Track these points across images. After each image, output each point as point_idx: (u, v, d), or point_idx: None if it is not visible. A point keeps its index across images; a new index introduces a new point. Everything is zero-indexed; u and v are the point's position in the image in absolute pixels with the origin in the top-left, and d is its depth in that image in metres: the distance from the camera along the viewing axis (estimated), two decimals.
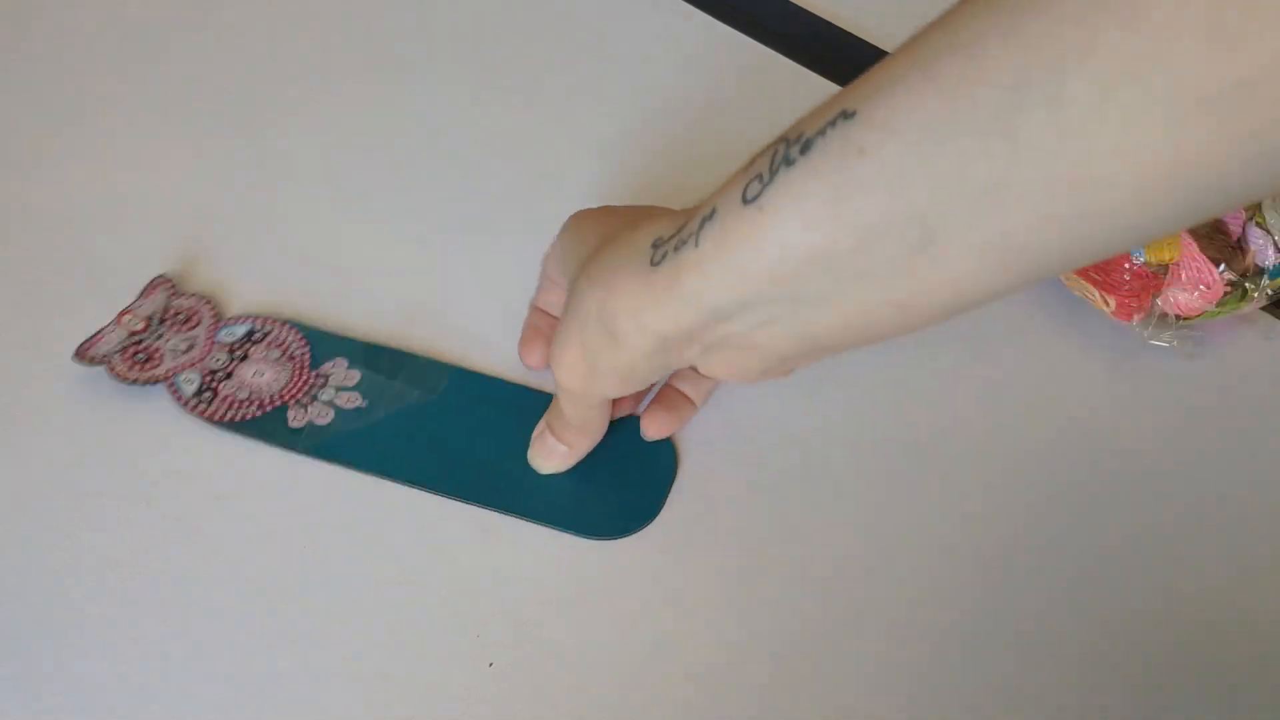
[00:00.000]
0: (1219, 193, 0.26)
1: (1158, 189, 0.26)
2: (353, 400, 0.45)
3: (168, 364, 0.44)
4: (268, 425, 0.44)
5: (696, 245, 0.32)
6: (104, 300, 0.46)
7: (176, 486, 0.43)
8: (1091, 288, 0.47)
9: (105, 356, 0.44)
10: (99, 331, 0.45)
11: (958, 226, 0.28)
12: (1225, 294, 0.47)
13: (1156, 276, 0.46)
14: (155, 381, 0.44)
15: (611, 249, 0.36)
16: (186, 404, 0.44)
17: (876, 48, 0.59)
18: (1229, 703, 0.40)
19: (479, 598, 0.41)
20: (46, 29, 0.58)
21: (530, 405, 0.43)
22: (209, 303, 0.47)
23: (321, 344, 0.46)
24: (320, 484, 0.43)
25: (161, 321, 0.45)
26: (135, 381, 0.44)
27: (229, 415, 0.44)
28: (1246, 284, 0.47)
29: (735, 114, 0.55)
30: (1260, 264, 0.47)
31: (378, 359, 0.46)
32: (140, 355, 0.44)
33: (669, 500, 0.43)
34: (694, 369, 0.38)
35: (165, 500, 0.43)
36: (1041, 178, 0.26)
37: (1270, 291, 0.47)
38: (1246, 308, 0.47)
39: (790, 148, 0.30)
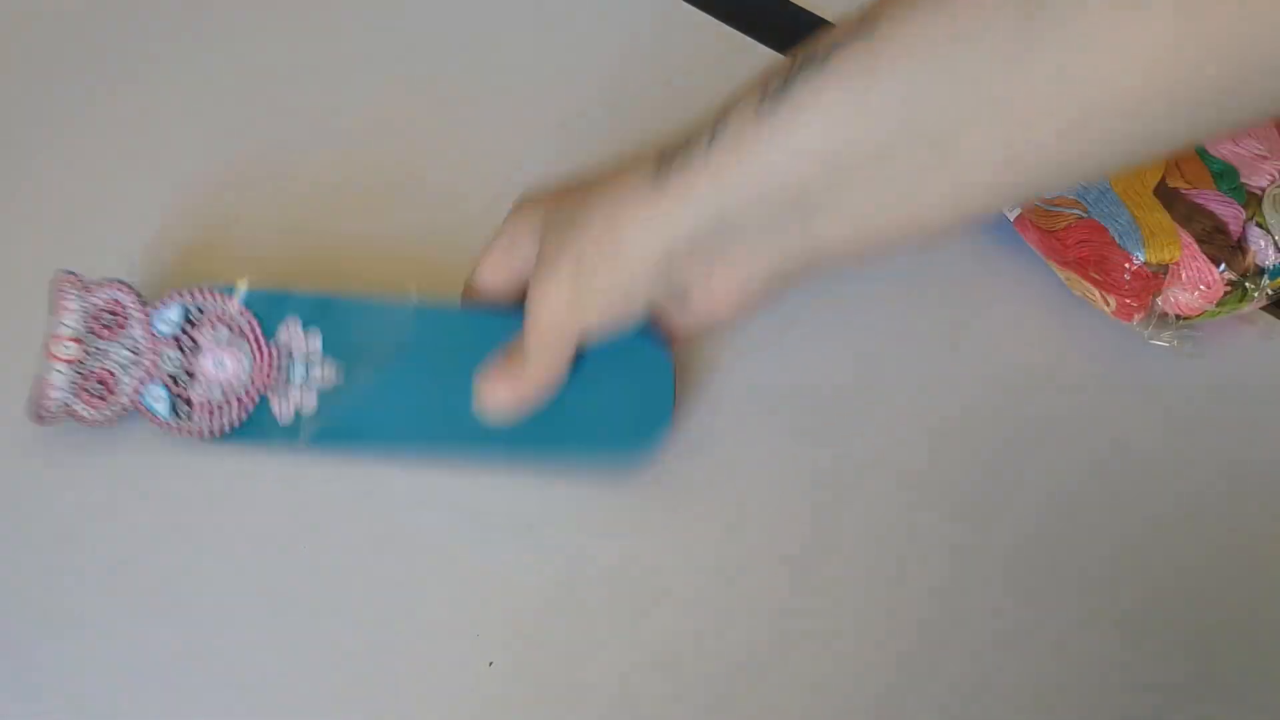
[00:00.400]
0: (1216, 107, 0.28)
1: (1160, 99, 0.28)
2: (327, 375, 0.41)
3: (126, 384, 0.41)
4: (258, 427, 0.42)
5: (708, 150, 0.32)
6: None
7: (174, 505, 0.42)
8: (1092, 287, 0.47)
9: (65, 406, 0.40)
10: (42, 378, 0.40)
11: (971, 142, 0.29)
12: (1225, 294, 0.47)
13: (1156, 276, 0.46)
14: (125, 412, 0.41)
15: (614, 174, 0.36)
16: (167, 426, 0.41)
17: None
18: (1228, 700, 0.40)
19: (479, 597, 0.41)
20: None
21: (508, 330, 0.41)
22: (124, 288, 0.41)
23: (265, 307, 0.42)
24: (316, 484, 0.43)
25: (90, 332, 0.41)
26: (105, 422, 0.41)
27: (216, 427, 0.42)
28: (1246, 284, 0.47)
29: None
30: (1260, 264, 0.47)
31: (332, 312, 0.42)
32: (96, 387, 0.41)
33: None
34: (683, 306, 0.38)
35: (165, 523, 0.42)
36: (1053, 92, 0.28)
37: (1270, 291, 0.47)
38: (1246, 308, 0.47)
39: (807, 62, 0.31)
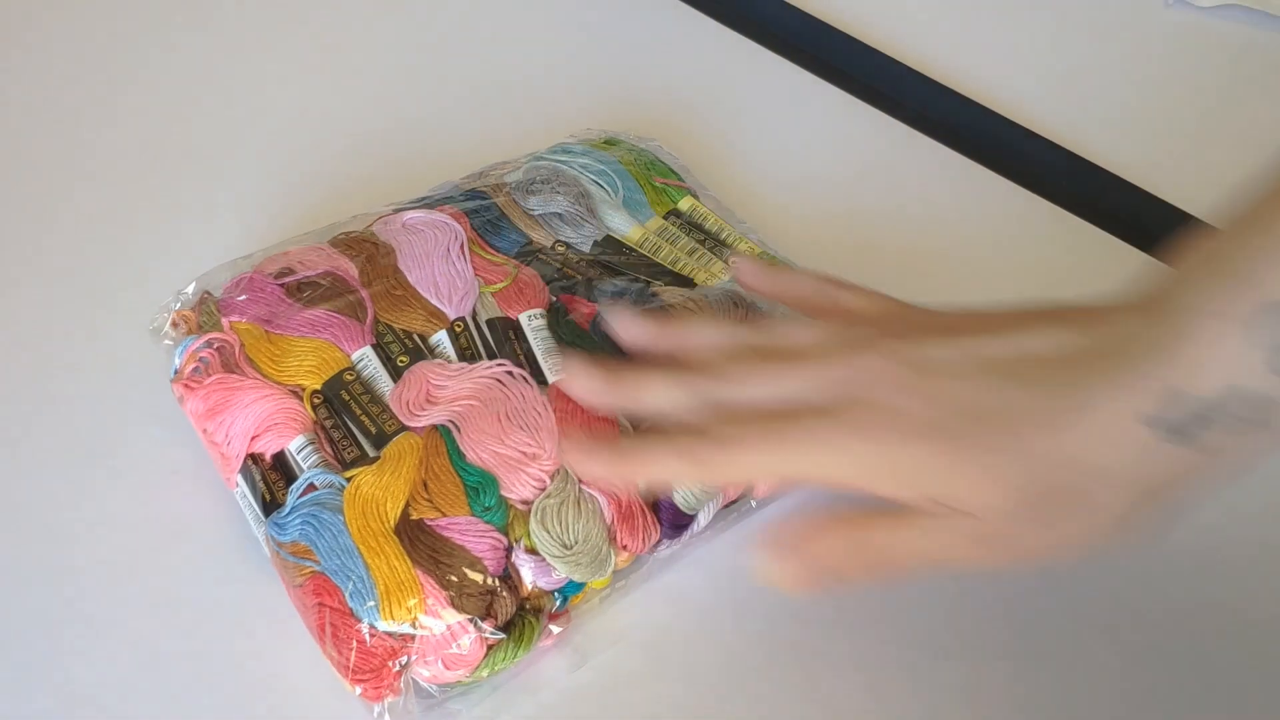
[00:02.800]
0: None
1: None
2: None
3: None
4: None
5: (1217, 427, 0.31)
6: None
7: None
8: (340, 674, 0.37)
9: None
10: None
11: None
12: (493, 647, 0.38)
13: (402, 642, 0.37)
14: None
15: (1066, 399, 0.33)
16: None
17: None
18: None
19: None
20: None
21: None
22: None
23: None
24: None
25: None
26: None
27: None
28: (528, 617, 0.38)
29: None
30: (545, 588, 0.39)
31: None
32: None
33: None
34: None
35: None
36: None
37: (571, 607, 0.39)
38: (535, 645, 0.39)
39: None
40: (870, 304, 0.39)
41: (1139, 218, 0.56)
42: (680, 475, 0.37)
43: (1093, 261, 0.54)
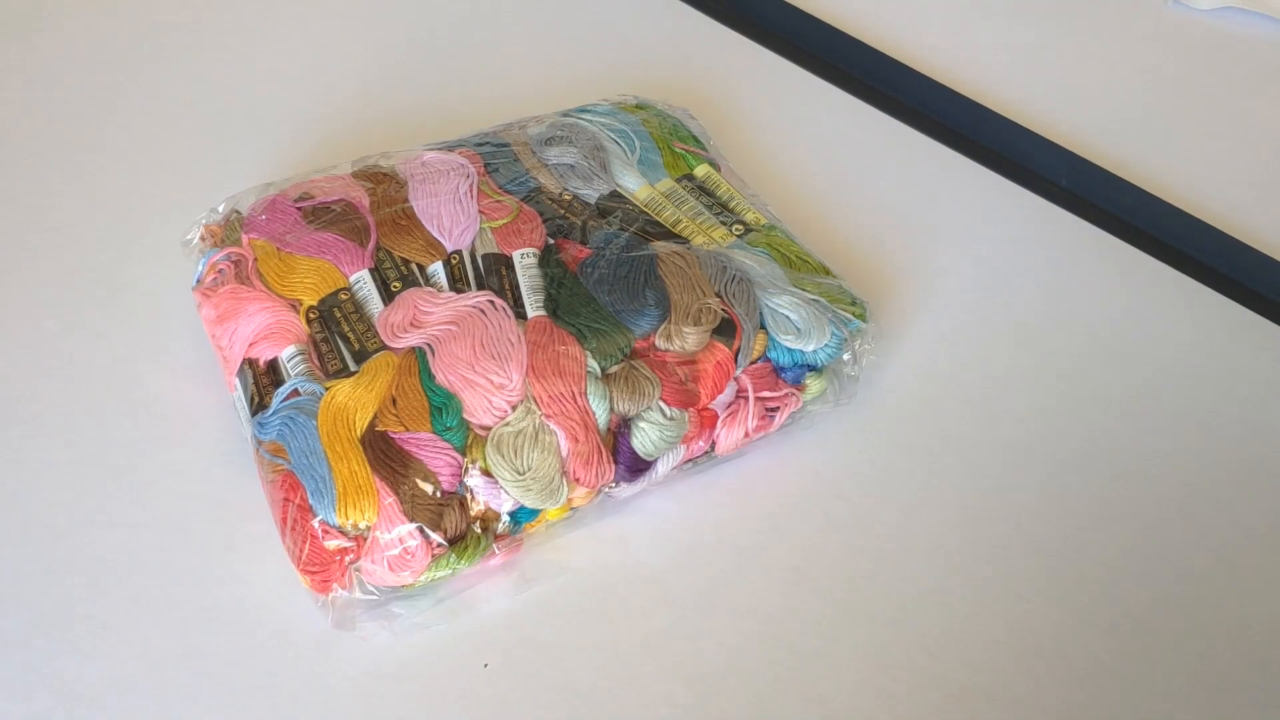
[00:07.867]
0: None
1: None
2: None
3: None
4: None
5: None
6: None
7: None
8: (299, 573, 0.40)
9: None
10: None
11: None
12: (438, 556, 0.40)
13: (356, 542, 0.39)
14: None
15: None
16: None
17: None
18: None
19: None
20: None
21: None
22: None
23: None
24: None
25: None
26: None
27: None
28: (477, 529, 0.40)
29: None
30: (496, 508, 0.40)
31: None
32: None
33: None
34: None
35: None
36: None
37: (526, 534, 0.40)
38: (481, 559, 0.40)
39: None
40: None
41: (1137, 217, 0.55)
42: None
43: (1089, 260, 0.53)
